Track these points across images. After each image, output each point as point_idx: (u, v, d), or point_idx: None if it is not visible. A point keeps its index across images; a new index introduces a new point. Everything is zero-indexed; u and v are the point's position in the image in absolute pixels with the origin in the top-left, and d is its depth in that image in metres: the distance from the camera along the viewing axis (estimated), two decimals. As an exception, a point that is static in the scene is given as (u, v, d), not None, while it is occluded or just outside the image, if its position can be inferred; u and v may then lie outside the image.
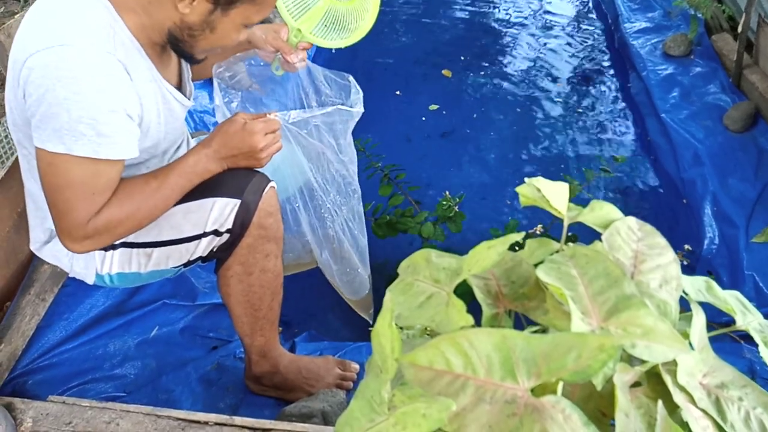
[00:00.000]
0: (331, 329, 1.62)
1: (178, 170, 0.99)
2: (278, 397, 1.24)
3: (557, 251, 0.56)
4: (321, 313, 1.68)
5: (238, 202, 1.01)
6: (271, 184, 1.06)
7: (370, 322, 1.51)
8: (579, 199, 2.03)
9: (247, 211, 1.01)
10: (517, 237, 0.50)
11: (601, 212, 0.58)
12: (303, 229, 1.43)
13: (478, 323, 0.49)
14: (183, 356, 1.35)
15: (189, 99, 1.10)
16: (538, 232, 1.85)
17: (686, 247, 1.79)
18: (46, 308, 1.37)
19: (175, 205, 1.02)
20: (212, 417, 1.09)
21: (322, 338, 1.49)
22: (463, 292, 0.54)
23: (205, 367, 1.33)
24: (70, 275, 1.13)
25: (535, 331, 0.49)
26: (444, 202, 1.94)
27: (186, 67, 1.12)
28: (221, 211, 1.01)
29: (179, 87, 1.09)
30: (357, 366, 1.29)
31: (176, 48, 0.97)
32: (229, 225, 1.01)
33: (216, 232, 1.02)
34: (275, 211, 1.06)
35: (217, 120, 1.15)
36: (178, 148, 1.17)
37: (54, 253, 1.10)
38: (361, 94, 1.24)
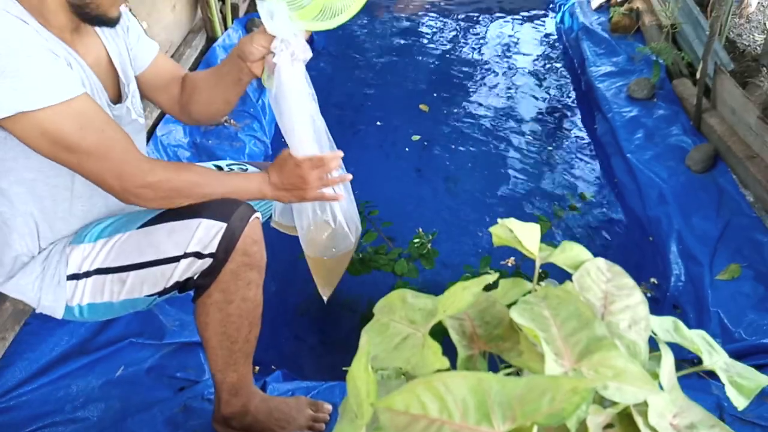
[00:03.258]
0: (304, 369, 1.59)
1: (239, 175, 1.10)
2: (248, 439, 1.21)
3: (530, 292, 0.57)
4: (293, 352, 1.65)
5: (224, 225, 1.00)
6: (256, 214, 1.06)
7: (324, 301, 1.35)
8: (548, 236, 2.08)
9: (233, 235, 1.01)
10: (491, 278, 0.51)
11: (571, 253, 0.59)
12: None
13: (453, 362, 0.49)
14: (149, 397, 1.31)
15: (122, 103, 1.09)
16: (510, 264, 1.87)
17: (652, 280, 1.83)
18: (5, 348, 1.32)
19: (157, 224, 1.01)
20: (179, 462, 1.05)
21: (294, 377, 1.46)
22: (438, 331, 0.54)
23: (172, 409, 1.29)
24: (37, 310, 1.09)
25: (509, 373, 0.49)
26: (417, 240, 1.96)
27: (126, 81, 1.11)
28: (206, 232, 0.99)
29: (117, 100, 1.09)
30: (330, 407, 1.27)
31: (85, 14, 0.97)
32: (213, 248, 1.00)
33: (198, 255, 1.00)
34: (260, 240, 1.06)
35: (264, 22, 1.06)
36: None
37: (19, 288, 1.06)
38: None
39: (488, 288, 0.60)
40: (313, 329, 1.71)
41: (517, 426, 0.39)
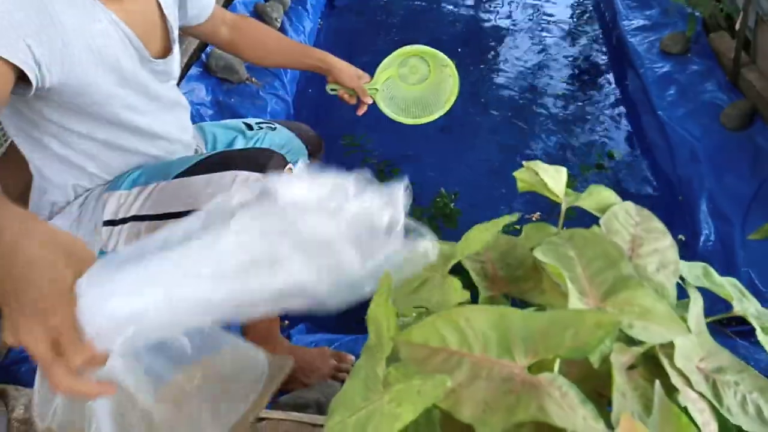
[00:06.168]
0: (327, 322, 1.61)
1: None
2: (273, 388, 1.24)
3: (555, 235, 0.56)
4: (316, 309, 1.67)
5: (259, 176, 1.01)
6: (289, 165, 1.06)
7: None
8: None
9: None
10: (511, 218, 0.49)
11: (599, 197, 0.58)
12: None
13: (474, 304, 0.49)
14: (177, 346, 1.34)
15: (159, 59, 1.06)
16: (534, 219, 1.85)
17: (680, 237, 1.79)
18: (38, 298, 1.36)
19: (194, 175, 1.02)
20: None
21: (317, 330, 1.48)
22: (460, 280, 0.54)
23: (199, 358, 1.32)
24: None
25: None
26: (439, 199, 1.94)
27: (172, 30, 1.10)
28: (242, 183, 1.01)
29: (162, 54, 1.08)
30: (353, 358, 1.29)
31: None
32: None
33: None
34: None
35: None
36: (164, 135, 1.12)
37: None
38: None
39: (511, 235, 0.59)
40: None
41: (539, 360, 0.39)
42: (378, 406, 0.40)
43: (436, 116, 1.40)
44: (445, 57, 1.40)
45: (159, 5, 1.07)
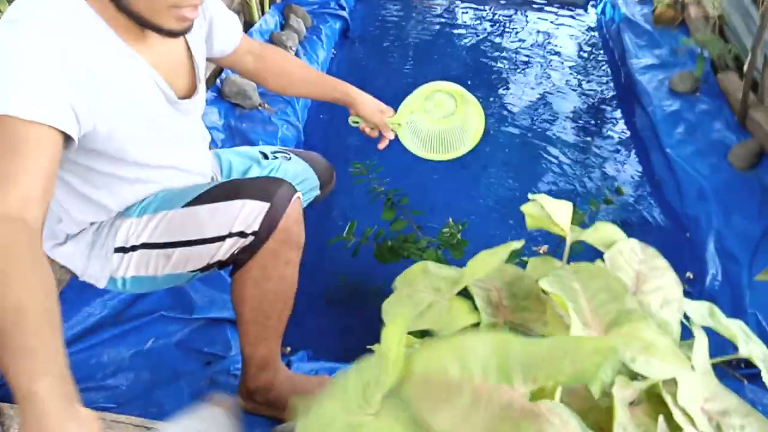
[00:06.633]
0: (328, 350, 1.60)
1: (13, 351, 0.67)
2: (270, 415, 1.22)
3: (560, 268, 0.56)
4: (318, 336, 1.66)
5: (267, 205, 1.01)
6: (297, 194, 1.06)
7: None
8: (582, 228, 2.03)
9: (275, 215, 1.01)
10: (517, 245, 0.50)
11: (604, 233, 0.58)
12: None
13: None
14: (177, 370, 1.33)
15: (187, 99, 1.08)
16: (541, 252, 1.85)
17: (687, 274, 1.78)
18: (42, 315, 1.36)
19: (202, 204, 1.02)
20: (203, 431, 1.07)
21: (318, 358, 1.47)
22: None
23: (198, 382, 1.31)
24: (80, 278, 1.12)
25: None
26: (446, 229, 1.94)
27: (199, 77, 1.12)
28: (250, 212, 1.00)
29: (188, 95, 1.09)
30: (352, 387, 1.27)
31: (139, 21, 0.92)
32: (255, 227, 1.01)
33: (241, 234, 1.02)
34: (300, 220, 1.07)
35: None
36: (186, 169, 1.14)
37: (68, 256, 1.09)
38: None
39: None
40: (339, 315, 1.72)
41: (539, 387, 0.38)
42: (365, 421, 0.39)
43: (460, 153, 1.38)
44: (472, 96, 1.36)
45: (187, 45, 1.09)
